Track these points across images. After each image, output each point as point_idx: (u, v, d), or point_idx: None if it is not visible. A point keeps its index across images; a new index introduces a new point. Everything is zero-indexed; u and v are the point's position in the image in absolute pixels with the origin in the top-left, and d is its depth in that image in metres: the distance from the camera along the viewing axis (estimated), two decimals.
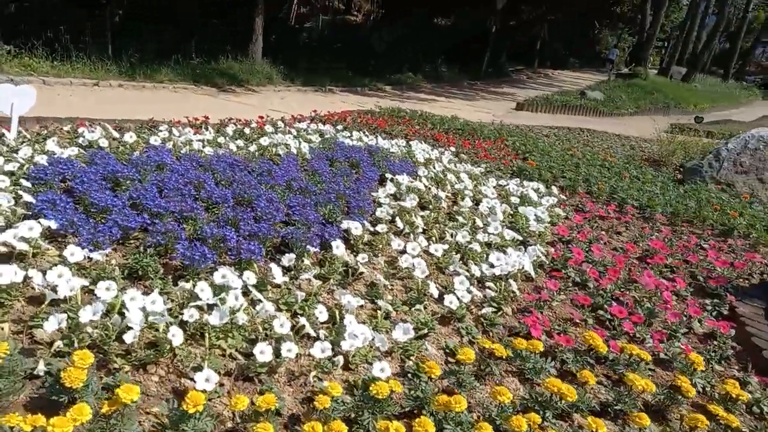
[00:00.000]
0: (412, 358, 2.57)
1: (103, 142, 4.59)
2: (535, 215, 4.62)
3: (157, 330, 2.33)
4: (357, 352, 2.48)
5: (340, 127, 7.38)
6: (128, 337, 2.14)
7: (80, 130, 4.82)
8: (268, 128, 6.30)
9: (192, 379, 2.13)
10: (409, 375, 2.43)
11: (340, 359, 2.37)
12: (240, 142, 5.49)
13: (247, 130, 6.09)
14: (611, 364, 2.73)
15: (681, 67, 28.79)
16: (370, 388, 2.04)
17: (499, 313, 3.06)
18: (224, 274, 2.78)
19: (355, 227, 3.64)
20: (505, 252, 3.69)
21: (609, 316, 3.18)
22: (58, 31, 12.53)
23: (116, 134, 4.89)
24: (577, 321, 3.11)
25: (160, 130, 5.23)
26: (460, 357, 2.27)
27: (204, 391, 1.98)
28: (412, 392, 2.19)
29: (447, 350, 2.67)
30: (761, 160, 7.35)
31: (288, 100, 12.23)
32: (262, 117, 7.36)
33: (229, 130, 5.95)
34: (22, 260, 2.73)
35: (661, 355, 2.98)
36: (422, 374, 2.42)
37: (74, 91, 9.20)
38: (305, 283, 3.09)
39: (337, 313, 2.74)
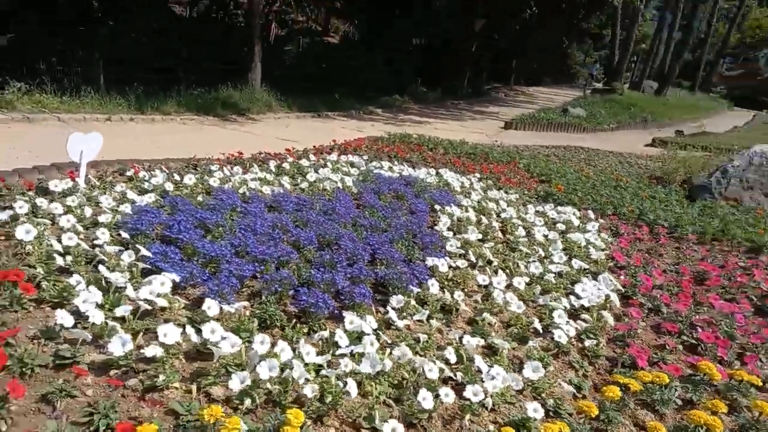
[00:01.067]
0: (543, 394, 2.73)
1: (168, 186, 4.67)
2: (587, 241, 4.85)
3: (311, 381, 2.44)
4: (495, 393, 2.62)
5: (365, 157, 7.54)
6: (308, 391, 2.25)
7: (141, 174, 4.89)
8: (304, 162, 6.43)
9: (374, 429, 2.25)
10: (551, 413, 2.58)
11: (489, 401, 2.52)
12: (286, 179, 5.60)
13: (286, 165, 6.21)
14: (723, 390, 2.92)
15: (652, 81, 29.92)
16: (542, 429, 2.19)
17: (600, 345, 3.25)
18: (352, 320, 2.91)
19: (441, 264, 3.80)
20: (581, 282, 3.90)
21: (695, 342, 3.40)
22: (50, 65, 12.51)
23: (177, 177, 4.96)
24: (670, 348, 3.32)
25: (213, 171, 5.33)
26: (608, 394, 2.44)
27: None
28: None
29: (573, 385, 2.84)
30: (765, 176, 7.78)
31: (292, 128, 12.32)
32: (289, 150, 7.49)
33: (272, 165, 6.07)
34: (155, 315, 2.81)
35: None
36: (562, 412, 2.59)
37: (90, 127, 9.13)
38: (413, 323, 3.24)
39: (462, 353, 2.89)
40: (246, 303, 3.00)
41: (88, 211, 3.79)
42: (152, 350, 2.32)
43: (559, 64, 43.77)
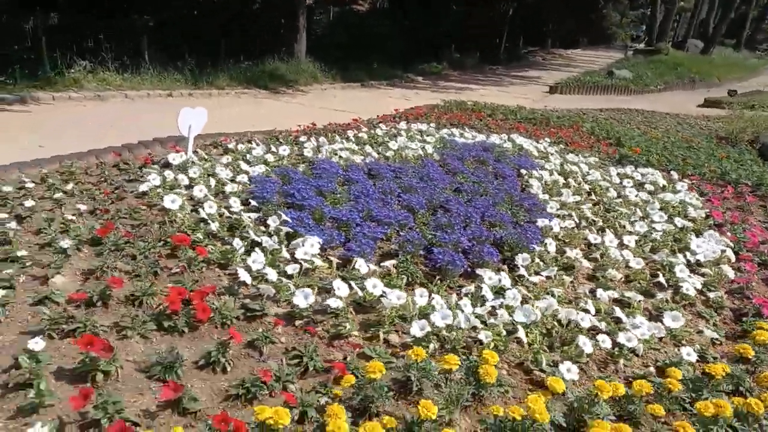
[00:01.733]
0: (683, 341, 2.85)
1: (269, 157, 4.85)
2: (681, 201, 4.89)
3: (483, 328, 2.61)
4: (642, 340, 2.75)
5: (432, 124, 7.61)
6: (482, 337, 2.43)
7: (239, 147, 5.08)
8: (378, 131, 6.56)
9: (541, 370, 2.42)
10: (698, 358, 2.71)
11: (641, 347, 2.66)
12: (368, 148, 5.73)
13: (362, 135, 6.33)
14: None
15: (696, 40, 28.90)
16: (707, 369, 2.33)
17: (723, 297, 3.35)
18: (490, 276, 3.07)
19: (554, 225, 3.92)
20: (687, 239, 3.98)
21: None
22: (98, 42, 12.76)
23: (273, 148, 5.14)
24: None
25: (303, 142, 5.48)
26: (760, 337, 2.56)
27: (572, 381, 2.28)
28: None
29: (715, 331, 2.96)
30: None
31: (341, 99, 12.42)
32: (357, 120, 7.63)
33: (351, 135, 6.21)
34: (307, 274, 3.00)
35: None
36: (708, 356, 2.72)
37: (155, 102, 9.42)
38: (541, 279, 3.37)
39: (597, 305, 3.02)
40: (394, 261, 3.17)
41: (212, 182, 4.00)
42: (334, 302, 2.51)
43: (595, 26, 42.53)
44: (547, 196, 4.67)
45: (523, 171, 5.41)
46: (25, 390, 1.80)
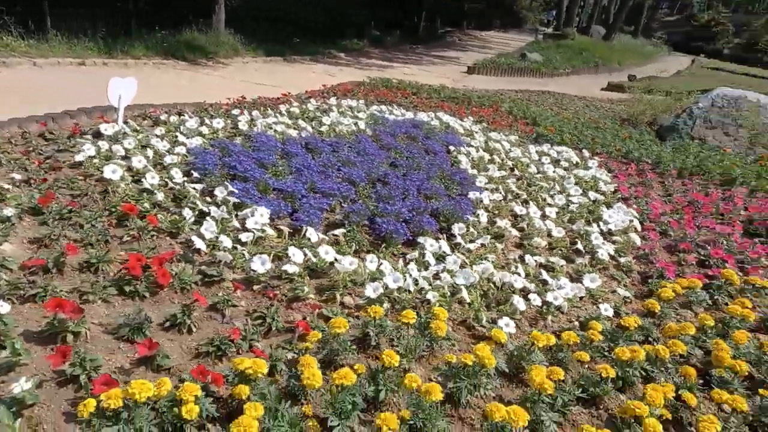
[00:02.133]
0: (599, 300, 3.23)
1: (204, 130, 4.80)
2: (593, 177, 5.37)
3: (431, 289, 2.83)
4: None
5: (362, 101, 7.74)
6: (430, 296, 2.65)
7: (172, 119, 4.97)
8: (310, 106, 6.62)
9: (482, 326, 2.68)
10: (612, 312, 3.08)
11: (566, 305, 2.99)
12: (302, 122, 5.78)
13: (294, 109, 6.36)
14: (737, 294, 3.49)
15: (599, 26, 30.70)
16: (621, 322, 2.68)
17: (631, 261, 3.78)
18: (432, 244, 3.30)
19: (484, 197, 4.21)
20: (600, 211, 4.41)
21: (704, 258, 3.99)
22: None
23: (207, 120, 5.07)
24: (689, 262, 3.89)
25: (236, 115, 5.44)
26: (665, 294, 2.96)
27: (509, 334, 2.55)
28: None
29: (628, 290, 3.36)
30: (726, 116, 8.54)
31: (264, 73, 12.21)
32: (286, 94, 7.59)
33: (282, 109, 6.22)
34: (257, 243, 3.09)
35: None
36: (621, 312, 3.10)
37: (67, 71, 8.84)
38: (475, 246, 3.64)
39: (526, 269, 3.33)
40: (343, 230, 3.30)
41: (149, 153, 3.93)
42: (291, 268, 2.63)
43: (507, 9, 43.99)
44: (475, 171, 4.97)
45: (452, 147, 5.69)
46: None
